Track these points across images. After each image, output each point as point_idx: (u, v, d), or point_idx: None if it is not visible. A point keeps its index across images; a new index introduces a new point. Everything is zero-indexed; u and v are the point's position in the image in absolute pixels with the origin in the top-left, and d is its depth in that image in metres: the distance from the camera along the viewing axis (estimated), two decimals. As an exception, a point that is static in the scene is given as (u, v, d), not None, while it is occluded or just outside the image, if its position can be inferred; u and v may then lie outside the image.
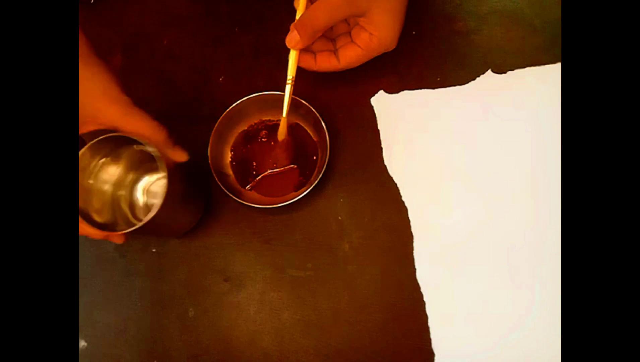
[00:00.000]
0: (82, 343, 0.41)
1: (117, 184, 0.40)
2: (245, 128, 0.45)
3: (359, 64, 0.42)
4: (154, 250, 0.43)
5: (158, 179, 0.33)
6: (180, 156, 0.37)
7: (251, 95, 0.42)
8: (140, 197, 0.42)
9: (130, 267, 0.43)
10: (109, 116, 0.34)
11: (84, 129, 0.35)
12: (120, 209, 0.40)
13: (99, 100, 0.33)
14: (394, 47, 0.42)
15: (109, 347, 0.41)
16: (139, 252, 0.44)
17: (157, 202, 0.33)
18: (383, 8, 0.40)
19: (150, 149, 0.34)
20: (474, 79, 0.46)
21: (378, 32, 0.40)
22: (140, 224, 0.33)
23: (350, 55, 0.41)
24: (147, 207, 0.41)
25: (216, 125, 0.41)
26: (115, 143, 0.36)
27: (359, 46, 0.41)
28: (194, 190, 0.41)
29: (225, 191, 0.39)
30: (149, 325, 0.42)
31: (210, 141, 0.41)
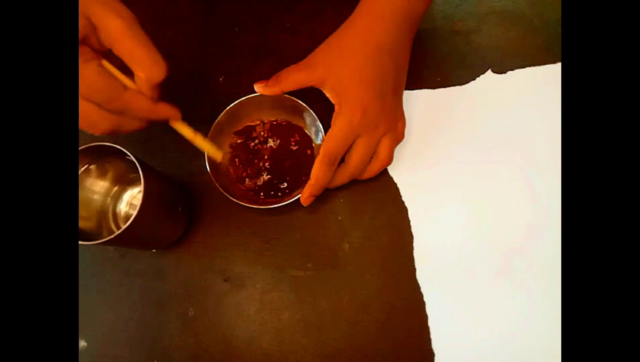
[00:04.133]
0: (82, 343, 0.41)
1: (105, 195, 0.41)
2: (244, 128, 0.44)
3: (341, 147, 0.38)
4: (154, 250, 0.43)
5: (140, 192, 0.32)
6: (167, 111, 0.34)
7: (250, 96, 0.42)
8: (123, 208, 0.42)
9: (130, 267, 0.43)
10: (109, 31, 0.29)
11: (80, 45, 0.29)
12: (106, 219, 0.41)
13: (100, 11, 0.29)
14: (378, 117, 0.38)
15: (109, 347, 0.41)
16: (139, 252, 0.44)
17: (134, 213, 0.33)
18: (340, 74, 0.38)
19: (131, 158, 0.33)
20: (474, 79, 0.46)
21: (339, 101, 0.38)
22: (113, 235, 0.32)
23: (326, 144, 0.38)
24: (128, 220, 0.41)
25: (214, 125, 0.41)
26: (99, 153, 0.36)
27: (332, 130, 0.38)
28: (175, 201, 0.41)
29: (223, 191, 0.39)
30: (149, 325, 0.42)
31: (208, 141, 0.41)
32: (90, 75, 0.29)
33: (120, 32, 0.29)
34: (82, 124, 0.31)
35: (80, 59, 0.29)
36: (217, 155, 0.39)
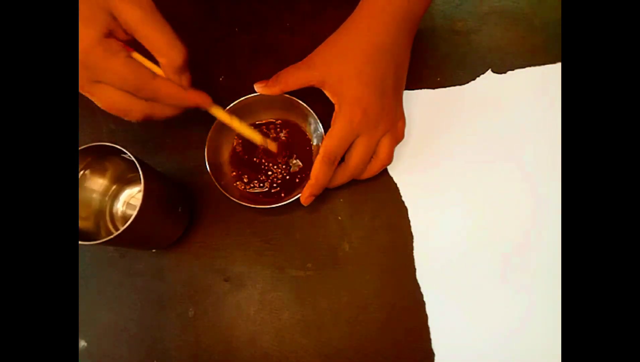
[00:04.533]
0: (82, 343, 0.41)
1: (103, 194, 0.41)
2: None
3: (341, 147, 0.38)
4: (154, 250, 0.43)
5: (139, 191, 0.33)
6: (197, 97, 0.35)
7: (250, 96, 0.42)
8: (120, 208, 0.42)
9: (130, 267, 0.43)
10: (128, 21, 0.30)
11: (97, 30, 0.30)
12: (103, 219, 0.41)
13: (119, 3, 0.30)
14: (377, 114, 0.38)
15: (109, 347, 0.41)
16: (139, 252, 0.44)
17: (133, 214, 0.32)
18: (340, 73, 0.38)
19: (132, 157, 0.33)
20: (474, 79, 0.46)
21: (339, 100, 0.38)
22: (113, 235, 0.32)
23: (326, 143, 0.37)
24: (125, 219, 0.41)
25: (214, 125, 0.41)
26: (99, 153, 0.36)
27: (332, 129, 0.38)
28: (175, 201, 0.40)
29: (223, 191, 0.39)
30: (149, 325, 0.42)
31: (208, 141, 0.41)
32: (118, 66, 0.31)
33: (138, 21, 0.30)
34: (116, 112, 0.33)
35: (108, 52, 0.30)
36: (256, 137, 0.40)
